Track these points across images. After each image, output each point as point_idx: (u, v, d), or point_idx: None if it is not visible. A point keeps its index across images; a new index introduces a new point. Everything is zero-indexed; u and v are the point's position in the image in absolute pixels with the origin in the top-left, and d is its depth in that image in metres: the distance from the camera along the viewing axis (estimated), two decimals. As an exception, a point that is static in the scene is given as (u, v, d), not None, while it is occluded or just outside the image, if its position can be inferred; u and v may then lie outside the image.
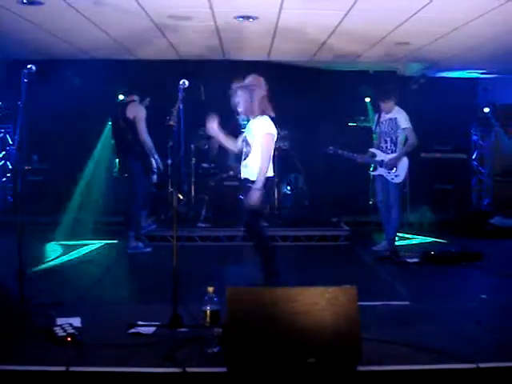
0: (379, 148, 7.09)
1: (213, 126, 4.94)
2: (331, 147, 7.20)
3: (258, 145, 4.90)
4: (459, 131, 10.04)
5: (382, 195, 7.17)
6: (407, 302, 4.75)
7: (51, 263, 6.39)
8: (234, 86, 4.98)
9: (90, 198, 9.02)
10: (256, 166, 4.88)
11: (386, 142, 7.05)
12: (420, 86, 9.67)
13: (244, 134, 5.07)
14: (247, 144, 4.99)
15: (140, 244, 7.06)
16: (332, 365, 3.13)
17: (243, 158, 5.03)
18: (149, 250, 7.04)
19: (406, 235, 8.20)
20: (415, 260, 6.55)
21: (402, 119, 6.92)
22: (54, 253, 6.96)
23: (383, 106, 7.03)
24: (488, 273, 6.10)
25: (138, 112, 6.78)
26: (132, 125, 6.74)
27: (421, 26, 6.44)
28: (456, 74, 9.89)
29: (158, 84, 8.89)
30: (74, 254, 6.91)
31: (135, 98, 6.95)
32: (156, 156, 6.98)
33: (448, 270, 6.20)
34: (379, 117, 7.14)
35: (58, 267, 6.25)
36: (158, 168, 7.07)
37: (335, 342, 3.17)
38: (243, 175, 5.07)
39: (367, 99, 9.93)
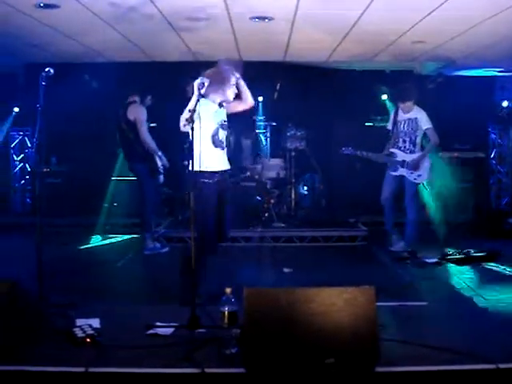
0: (397, 148, 7.04)
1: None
2: (346, 148, 7.14)
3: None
4: (477, 130, 9.96)
5: (388, 192, 7.12)
6: (426, 303, 4.72)
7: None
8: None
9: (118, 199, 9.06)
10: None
11: (404, 141, 7.00)
12: (437, 85, 9.62)
13: (223, 120, 4.80)
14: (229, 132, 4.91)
15: (157, 245, 7.10)
16: (350, 366, 3.12)
17: (225, 145, 4.80)
18: (166, 249, 7.07)
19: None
20: (434, 260, 6.51)
21: (424, 119, 6.88)
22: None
23: (402, 105, 6.98)
24: (507, 272, 6.05)
25: (138, 113, 6.79)
26: (133, 126, 6.77)
27: (437, 24, 6.40)
28: (473, 72, 9.81)
29: (172, 85, 8.95)
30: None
31: (136, 98, 6.96)
32: (160, 153, 6.96)
33: (467, 270, 6.15)
34: (396, 116, 7.08)
35: (77, 266, 6.29)
36: (164, 167, 7.05)
37: (353, 342, 3.15)
38: (226, 167, 4.86)
39: (384, 96, 9.85)
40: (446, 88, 9.41)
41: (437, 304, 4.68)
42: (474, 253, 6.56)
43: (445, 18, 6.09)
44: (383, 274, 6.08)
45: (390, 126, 7.24)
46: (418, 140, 6.96)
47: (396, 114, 7.09)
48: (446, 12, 5.84)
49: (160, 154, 6.95)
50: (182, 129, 4.29)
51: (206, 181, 4.57)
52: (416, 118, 6.91)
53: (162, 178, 7.08)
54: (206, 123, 4.50)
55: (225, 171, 4.79)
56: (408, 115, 6.97)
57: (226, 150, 4.78)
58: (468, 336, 3.80)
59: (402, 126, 7.03)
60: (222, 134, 4.74)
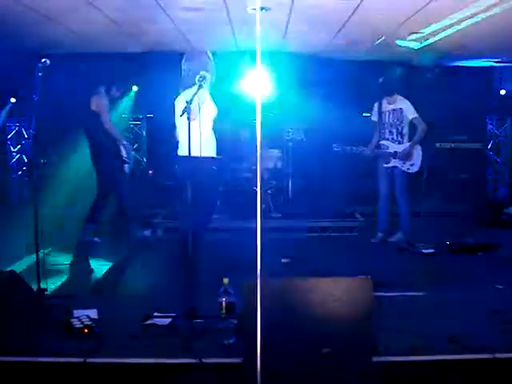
0: (385, 139, 7.01)
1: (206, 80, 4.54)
2: (337, 144, 7.07)
3: None
4: (474, 121, 9.96)
5: (386, 187, 7.10)
6: (423, 293, 4.74)
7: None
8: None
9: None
10: None
11: (391, 133, 6.98)
12: (434, 76, 9.60)
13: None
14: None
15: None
16: (348, 355, 3.13)
17: None
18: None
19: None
20: (431, 250, 6.52)
21: (410, 109, 6.89)
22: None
23: (389, 98, 6.97)
24: (505, 263, 6.06)
25: (99, 102, 6.67)
26: (97, 117, 6.66)
27: (434, 14, 6.37)
28: (471, 63, 9.79)
29: (170, 76, 8.92)
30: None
31: (100, 89, 6.82)
32: (125, 142, 6.84)
33: (464, 260, 6.17)
34: (380, 107, 7.06)
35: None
36: (129, 157, 6.91)
37: (351, 332, 3.17)
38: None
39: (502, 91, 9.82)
40: (444, 78, 9.40)
41: (434, 294, 4.69)
42: (471, 243, 6.58)
43: (441, 8, 6.06)
44: (381, 265, 6.10)
45: (374, 117, 7.20)
46: (405, 130, 6.96)
47: (380, 105, 7.06)
48: (442, 2, 5.81)
49: (125, 142, 6.82)
50: (179, 116, 4.21)
51: (215, 168, 4.62)
52: (401, 109, 6.91)
53: (127, 167, 6.90)
54: (207, 109, 4.56)
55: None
56: (392, 106, 6.96)
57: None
58: (465, 326, 3.81)
59: (387, 117, 7.01)
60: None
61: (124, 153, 6.79)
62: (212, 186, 4.76)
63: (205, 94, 4.60)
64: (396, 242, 7.00)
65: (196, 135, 4.28)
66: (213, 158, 4.66)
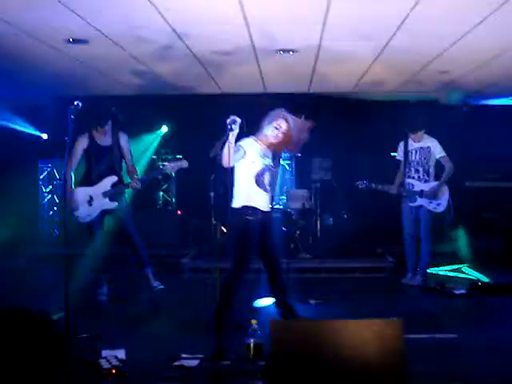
0: (411, 178, 6.96)
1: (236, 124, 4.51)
2: (361, 182, 7.04)
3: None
4: (507, 159, 9.85)
5: (411, 228, 7.02)
6: (455, 335, 4.63)
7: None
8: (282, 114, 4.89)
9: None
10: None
11: (417, 171, 6.93)
12: (463, 114, 9.56)
13: (268, 163, 4.93)
14: (273, 174, 5.02)
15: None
16: (379, 399, 3.07)
17: (268, 187, 4.91)
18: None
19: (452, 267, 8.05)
20: (462, 291, 6.40)
21: (437, 148, 6.84)
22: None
23: (413, 136, 6.94)
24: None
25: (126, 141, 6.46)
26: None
27: (462, 53, 6.39)
28: (500, 101, 9.75)
29: (199, 118, 9.06)
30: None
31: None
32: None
33: (496, 302, 6.04)
34: (406, 146, 7.03)
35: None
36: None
37: (381, 376, 3.10)
38: (268, 206, 4.95)
39: None
40: (473, 117, 9.36)
41: (466, 337, 4.59)
42: (503, 284, 6.44)
43: (470, 47, 6.08)
44: (411, 306, 6.00)
45: (399, 156, 7.16)
46: (432, 169, 6.91)
47: (406, 143, 7.03)
48: (471, 41, 5.83)
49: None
50: (225, 165, 4.45)
51: (250, 218, 4.74)
52: (428, 147, 6.86)
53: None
54: (250, 162, 4.78)
55: (267, 212, 4.91)
56: (419, 144, 6.92)
57: (269, 193, 4.92)
58: (499, 370, 3.71)
59: (413, 155, 6.97)
60: (268, 177, 4.89)
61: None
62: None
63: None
64: (417, 285, 6.87)
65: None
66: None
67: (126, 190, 6.38)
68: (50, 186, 10.70)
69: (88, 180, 6.21)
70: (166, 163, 6.16)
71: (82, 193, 6.13)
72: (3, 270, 6.87)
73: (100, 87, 8.23)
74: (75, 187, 6.12)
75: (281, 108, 4.92)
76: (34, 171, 10.55)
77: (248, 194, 4.82)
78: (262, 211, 4.83)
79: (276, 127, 4.79)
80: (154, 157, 10.44)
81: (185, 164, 5.99)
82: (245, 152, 4.73)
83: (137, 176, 6.32)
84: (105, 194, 6.14)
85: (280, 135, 4.79)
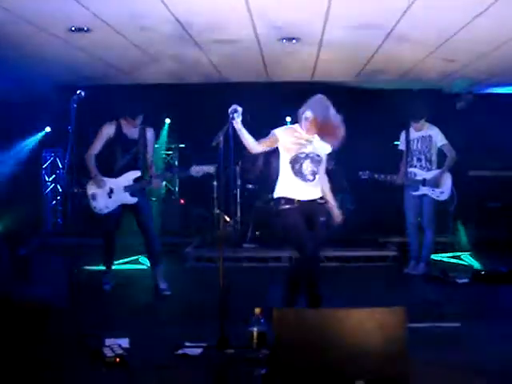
0: (413, 167, 6.94)
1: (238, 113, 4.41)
2: (364, 172, 6.99)
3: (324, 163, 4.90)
4: (509, 148, 9.82)
5: (414, 217, 7.03)
6: (458, 324, 4.64)
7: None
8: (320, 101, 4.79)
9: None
10: (324, 184, 4.92)
11: (419, 160, 6.91)
12: (467, 103, 9.53)
13: (309, 152, 4.75)
14: (317, 163, 4.79)
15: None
16: (382, 387, 3.08)
17: (311, 177, 4.75)
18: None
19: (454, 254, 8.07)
20: (465, 280, 6.41)
21: (439, 136, 6.82)
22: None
23: (414, 124, 6.92)
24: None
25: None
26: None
27: (467, 42, 6.35)
28: (504, 89, 9.71)
29: (201, 107, 9.04)
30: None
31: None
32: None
33: (499, 290, 6.04)
34: (408, 135, 7.00)
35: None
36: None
37: (384, 364, 3.11)
38: (312, 196, 4.79)
39: None
40: (477, 106, 9.33)
41: (469, 325, 4.59)
42: (506, 272, 6.44)
43: (474, 35, 6.05)
44: (414, 295, 6.01)
45: (401, 145, 7.13)
46: (434, 157, 6.88)
47: (407, 132, 7.00)
48: (476, 29, 5.80)
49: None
50: (252, 152, 4.60)
51: (284, 207, 4.71)
52: (430, 136, 6.84)
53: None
54: (285, 151, 4.73)
55: (309, 201, 4.77)
56: (421, 133, 6.89)
57: (312, 182, 4.76)
58: (501, 358, 3.72)
59: (415, 144, 6.94)
60: (309, 166, 4.74)
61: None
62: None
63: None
64: (419, 274, 6.88)
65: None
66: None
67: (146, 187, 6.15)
68: (53, 176, 10.71)
69: (110, 171, 5.96)
70: (193, 166, 5.84)
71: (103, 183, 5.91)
72: (7, 259, 6.88)
73: (102, 77, 8.21)
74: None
75: (318, 94, 4.82)
76: (38, 161, 10.55)
77: (283, 183, 4.80)
78: (301, 201, 4.71)
79: (305, 117, 4.71)
80: (157, 146, 10.45)
81: (212, 169, 5.81)
82: (277, 139, 4.67)
83: (155, 173, 6.18)
84: (126, 189, 5.92)
85: (307, 124, 4.68)
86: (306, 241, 4.64)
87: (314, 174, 4.75)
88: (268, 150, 4.78)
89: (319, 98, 4.78)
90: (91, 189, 5.93)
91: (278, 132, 4.72)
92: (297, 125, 4.80)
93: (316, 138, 4.75)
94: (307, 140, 4.73)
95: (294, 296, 4.73)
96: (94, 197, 5.92)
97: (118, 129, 5.92)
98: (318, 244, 4.85)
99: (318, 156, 4.78)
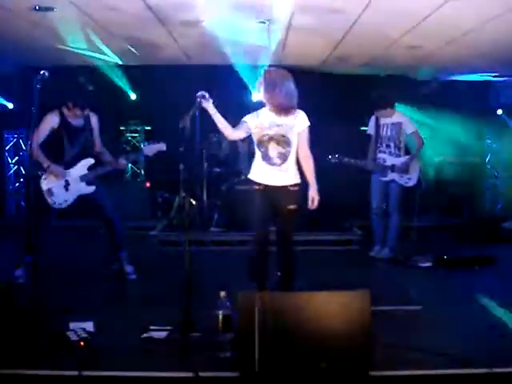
0: (382, 152, 7.00)
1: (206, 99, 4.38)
2: (333, 155, 6.91)
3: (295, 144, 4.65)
4: (472, 135, 9.98)
5: (380, 202, 7.10)
6: (420, 307, 4.72)
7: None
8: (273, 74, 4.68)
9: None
10: (305, 166, 4.76)
11: (388, 146, 6.95)
12: (432, 90, 9.64)
13: (273, 134, 4.59)
14: (284, 144, 4.60)
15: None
16: (344, 370, 3.12)
17: (279, 161, 4.61)
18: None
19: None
20: (428, 264, 6.52)
21: (408, 123, 6.88)
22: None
23: (383, 111, 6.96)
24: (501, 277, 6.07)
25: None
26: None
27: (432, 29, 6.42)
28: (468, 77, 9.84)
29: (167, 89, 8.95)
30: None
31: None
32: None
33: (461, 275, 6.16)
34: (377, 121, 7.04)
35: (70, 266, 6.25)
36: None
37: (348, 346, 3.15)
38: (280, 182, 4.65)
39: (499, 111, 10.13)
40: (441, 92, 9.45)
41: (431, 308, 4.68)
42: (468, 257, 6.57)
43: (440, 23, 6.11)
44: (378, 278, 6.09)
45: (370, 130, 7.14)
46: (403, 144, 6.94)
47: (377, 118, 7.05)
48: (441, 17, 5.86)
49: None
50: (229, 138, 4.70)
51: (254, 187, 4.70)
52: (400, 123, 6.88)
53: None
54: (254, 136, 4.69)
55: (276, 186, 4.66)
56: (390, 120, 6.93)
57: (280, 166, 4.63)
58: (462, 340, 3.80)
59: (384, 130, 6.98)
60: (273, 149, 4.61)
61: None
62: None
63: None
64: (384, 258, 6.98)
65: None
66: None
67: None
68: (16, 157, 10.52)
69: (60, 162, 5.67)
70: (144, 145, 5.73)
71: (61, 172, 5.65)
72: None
73: (66, 57, 8.07)
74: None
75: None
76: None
77: (254, 167, 4.75)
78: (267, 185, 4.65)
79: (258, 86, 4.65)
80: (123, 128, 10.34)
81: (163, 147, 5.68)
82: (248, 125, 4.62)
83: (108, 158, 5.88)
84: (82, 178, 5.73)
85: (263, 93, 4.60)
86: (256, 226, 4.69)
87: (282, 157, 4.59)
88: (244, 137, 4.76)
89: (271, 70, 4.75)
90: (45, 184, 5.64)
91: (247, 118, 4.68)
92: (265, 108, 4.72)
93: (285, 119, 4.60)
94: (272, 121, 4.59)
95: (255, 277, 4.75)
96: (50, 193, 5.66)
97: (62, 118, 5.68)
98: (286, 231, 4.87)
99: (284, 137, 4.57)
